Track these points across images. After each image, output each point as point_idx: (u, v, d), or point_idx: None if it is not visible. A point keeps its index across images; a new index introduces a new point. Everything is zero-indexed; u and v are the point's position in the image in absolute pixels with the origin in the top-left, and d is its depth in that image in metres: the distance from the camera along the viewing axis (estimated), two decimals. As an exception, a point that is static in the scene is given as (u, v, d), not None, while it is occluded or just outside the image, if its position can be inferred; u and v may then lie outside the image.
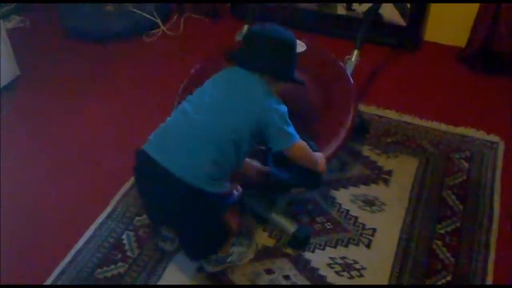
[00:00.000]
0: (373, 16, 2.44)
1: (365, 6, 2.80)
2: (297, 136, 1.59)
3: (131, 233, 1.90)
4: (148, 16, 2.99)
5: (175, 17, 3.13)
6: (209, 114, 1.55)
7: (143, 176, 1.62)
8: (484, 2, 2.47)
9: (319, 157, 1.71)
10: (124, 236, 1.89)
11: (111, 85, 2.67)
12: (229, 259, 1.74)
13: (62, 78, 2.72)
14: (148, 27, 3.01)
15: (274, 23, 1.69)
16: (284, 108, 1.58)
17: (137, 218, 1.95)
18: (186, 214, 1.55)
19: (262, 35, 1.63)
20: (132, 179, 2.08)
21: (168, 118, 1.65)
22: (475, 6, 2.52)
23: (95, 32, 2.97)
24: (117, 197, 2.03)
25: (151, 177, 1.56)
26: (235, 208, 1.73)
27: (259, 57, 1.60)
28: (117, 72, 2.76)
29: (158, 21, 3.02)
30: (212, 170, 1.50)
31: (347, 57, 2.25)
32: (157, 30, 3.01)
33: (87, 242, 1.86)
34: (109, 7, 3.05)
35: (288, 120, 1.58)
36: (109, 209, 1.98)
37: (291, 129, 1.57)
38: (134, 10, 3.00)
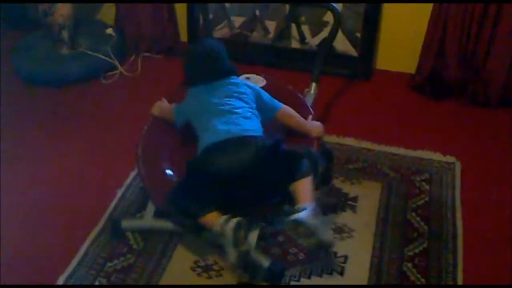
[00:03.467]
0: (328, 48, 2.53)
1: (318, 39, 2.91)
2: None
3: (104, 280, 1.87)
4: (104, 57, 2.99)
5: (132, 57, 3.14)
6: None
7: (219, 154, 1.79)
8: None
9: (313, 125, 2.02)
10: (97, 283, 1.85)
11: (71, 129, 2.64)
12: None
13: (20, 125, 2.67)
14: (105, 69, 3.01)
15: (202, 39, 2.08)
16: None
17: (108, 264, 1.92)
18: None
19: (205, 51, 1.99)
20: (100, 224, 2.07)
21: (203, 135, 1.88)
22: (423, 35, 2.66)
23: (52, 77, 2.93)
24: (87, 243, 2.00)
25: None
26: None
27: (215, 68, 1.96)
28: (77, 116, 2.74)
29: (115, 62, 3.02)
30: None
31: (306, 89, 2.32)
32: (114, 72, 3.01)
33: (59, 292, 1.82)
34: (64, 50, 3.04)
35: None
36: (79, 255, 1.95)
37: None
38: (90, 52, 2.99)
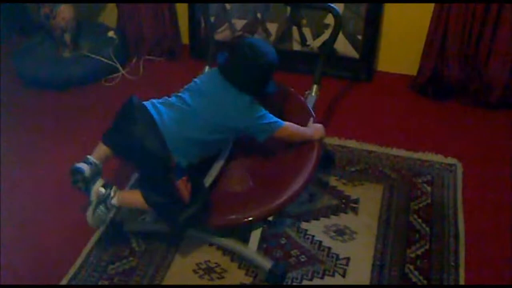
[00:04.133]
0: (329, 50, 2.53)
1: (319, 41, 2.92)
2: (279, 122, 1.86)
3: (106, 282, 1.87)
4: (106, 60, 3.00)
5: (133, 60, 3.15)
6: (200, 106, 1.82)
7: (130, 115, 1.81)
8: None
9: (315, 128, 1.98)
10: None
11: (73, 131, 2.65)
12: None
13: (22, 128, 2.68)
14: (107, 72, 3.02)
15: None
16: (259, 108, 1.85)
17: (111, 266, 1.93)
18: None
19: (249, 55, 1.83)
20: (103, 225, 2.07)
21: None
22: (424, 36, 2.66)
23: (54, 80, 2.94)
24: (89, 246, 2.00)
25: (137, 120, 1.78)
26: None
27: (239, 75, 1.84)
28: (79, 119, 2.75)
29: (117, 65, 3.03)
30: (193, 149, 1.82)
31: (306, 92, 2.32)
32: (116, 75, 3.02)
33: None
34: (66, 53, 3.05)
35: (265, 113, 1.85)
36: (81, 258, 1.96)
37: (269, 119, 1.84)
38: (91, 55, 3.00)
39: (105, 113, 2.78)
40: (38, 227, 2.12)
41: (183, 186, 1.73)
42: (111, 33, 3.15)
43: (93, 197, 1.77)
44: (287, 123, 1.90)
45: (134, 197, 1.80)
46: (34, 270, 1.94)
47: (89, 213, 1.78)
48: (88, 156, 1.83)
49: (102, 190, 1.77)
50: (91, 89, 2.95)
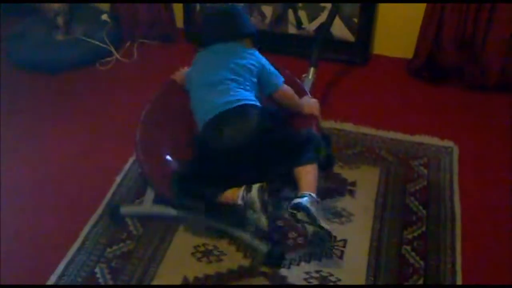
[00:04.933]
0: (325, 33, 2.52)
1: (314, 25, 2.90)
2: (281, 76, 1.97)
3: (104, 265, 1.87)
4: (99, 44, 2.97)
5: (127, 43, 3.12)
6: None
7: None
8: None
9: (307, 103, 2.02)
10: (97, 270, 1.85)
11: (67, 116, 2.63)
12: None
13: (16, 112, 2.66)
14: (101, 55, 2.98)
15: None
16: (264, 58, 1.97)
17: (108, 249, 1.93)
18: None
19: (217, 13, 2.04)
20: (99, 210, 2.06)
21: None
22: (420, 19, 2.65)
23: (46, 63, 2.91)
24: (86, 229, 2.00)
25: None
26: None
27: (227, 29, 1.96)
28: (73, 103, 2.72)
29: (111, 48, 3.00)
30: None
31: (303, 75, 2.32)
32: (110, 58, 2.99)
33: (59, 277, 1.83)
34: (59, 36, 3.01)
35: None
36: (78, 241, 1.95)
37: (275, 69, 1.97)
38: (85, 38, 2.97)
39: (99, 96, 2.78)
40: (34, 211, 2.11)
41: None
42: (104, 16, 3.11)
43: (257, 205, 1.68)
44: (284, 85, 1.98)
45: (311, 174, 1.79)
46: (31, 254, 1.93)
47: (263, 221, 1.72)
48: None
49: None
50: (85, 72, 2.92)
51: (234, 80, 1.85)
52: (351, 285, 1.80)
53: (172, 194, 1.80)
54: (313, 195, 1.72)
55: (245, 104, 1.80)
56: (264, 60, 1.97)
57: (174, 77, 2.17)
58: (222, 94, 1.82)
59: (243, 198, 1.68)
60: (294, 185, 1.79)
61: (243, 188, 1.70)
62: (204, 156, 1.79)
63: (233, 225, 1.91)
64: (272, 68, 1.97)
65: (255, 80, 1.91)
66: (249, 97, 1.84)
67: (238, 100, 1.80)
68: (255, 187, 1.68)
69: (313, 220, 1.67)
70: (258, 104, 1.84)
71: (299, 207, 1.68)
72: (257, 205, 1.67)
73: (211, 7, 2.11)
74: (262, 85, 1.93)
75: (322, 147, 1.84)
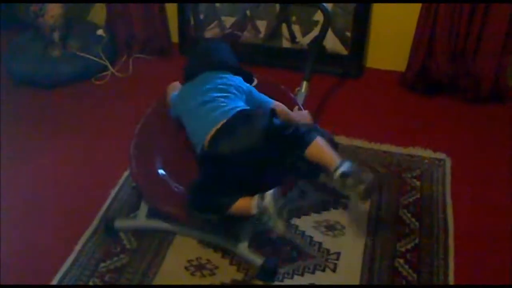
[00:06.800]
0: (318, 47, 2.54)
1: (308, 38, 2.92)
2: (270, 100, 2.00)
3: (97, 280, 1.87)
4: (95, 59, 2.99)
5: (123, 58, 3.14)
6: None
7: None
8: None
9: (300, 115, 2.04)
10: (90, 284, 1.86)
11: (63, 130, 2.64)
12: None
13: (12, 127, 2.67)
14: (97, 70, 3.01)
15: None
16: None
17: (102, 264, 1.93)
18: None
19: (204, 47, 2.16)
20: (93, 224, 2.07)
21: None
22: (412, 32, 2.68)
23: (43, 78, 2.93)
24: (80, 243, 2.00)
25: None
26: None
27: (209, 60, 2.04)
28: (68, 117, 2.74)
29: (107, 63, 3.02)
30: None
31: (297, 88, 2.34)
32: (106, 73, 3.01)
33: (52, 293, 1.83)
34: (55, 52, 3.03)
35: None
36: (72, 256, 1.95)
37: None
38: (81, 53, 2.99)
39: (95, 111, 2.80)
40: (30, 225, 2.12)
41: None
42: (100, 31, 3.14)
43: (271, 210, 1.68)
44: (275, 102, 2.00)
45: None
46: (25, 268, 1.94)
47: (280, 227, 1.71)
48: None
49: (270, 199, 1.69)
50: (81, 87, 2.94)
51: (225, 97, 1.88)
52: (344, 285, 1.81)
53: (188, 212, 1.80)
54: (345, 160, 1.72)
55: (243, 110, 1.84)
56: (249, 86, 2.02)
57: (168, 89, 2.19)
58: (216, 108, 1.84)
59: (258, 207, 1.69)
60: (311, 173, 1.85)
61: (256, 197, 1.70)
62: (214, 170, 1.78)
63: (229, 237, 1.91)
64: (257, 92, 2.02)
65: (244, 97, 1.94)
66: (242, 106, 1.87)
67: (233, 108, 1.83)
68: (269, 194, 1.68)
69: (361, 180, 1.69)
70: (253, 108, 1.89)
71: (346, 174, 1.68)
72: (273, 212, 1.67)
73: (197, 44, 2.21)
74: (253, 107, 1.95)
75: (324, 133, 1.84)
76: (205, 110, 1.86)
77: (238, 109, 1.83)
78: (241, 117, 1.80)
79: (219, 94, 1.88)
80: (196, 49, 2.19)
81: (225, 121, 1.79)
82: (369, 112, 2.69)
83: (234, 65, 2.06)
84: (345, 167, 1.69)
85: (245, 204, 1.71)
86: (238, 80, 1.99)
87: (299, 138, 1.76)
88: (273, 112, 1.83)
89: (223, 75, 1.97)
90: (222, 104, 1.85)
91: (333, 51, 2.91)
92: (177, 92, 2.05)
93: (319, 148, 1.75)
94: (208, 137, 1.80)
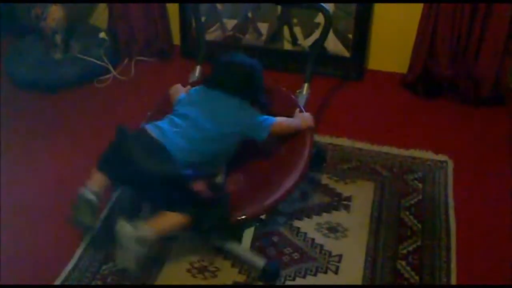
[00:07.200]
0: (319, 49, 2.54)
1: (310, 41, 2.93)
2: (270, 119, 1.93)
3: (100, 283, 1.87)
4: (97, 61, 3.00)
5: (125, 61, 3.15)
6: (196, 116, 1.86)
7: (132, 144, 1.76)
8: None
9: (302, 117, 2.04)
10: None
11: (66, 133, 2.64)
12: None
13: (14, 130, 2.67)
14: (99, 73, 3.01)
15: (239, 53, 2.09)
16: (249, 109, 1.92)
17: (104, 266, 1.93)
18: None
19: (233, 64, 1.98)
20: (97, 225, 2.07)
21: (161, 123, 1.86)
22: (414, 35, 2.68)
23: (45, 82, 2.93)
24: (82, 246, 2.00)
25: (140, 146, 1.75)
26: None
27: (232, 84, 1.92)
28: (71, 120, 2.74)
29: (108, 66, 3.02)
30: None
31: (297, 90, 2.33)
32: (108, 76, 3.02)
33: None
34: (57, 55, 3.04)
35: (255, 112, 1.93)
36: (74, 258, 1.96)
37: (262, 118, 1.92)
38: (83, 56, 3.00)
39: (97, 114, 2.80)
40: (31, 228, 2.12)
41: (202, 188, 1.73)
42: (102, 34, 3.15)
43: (127, 242, 1.65)
44: (277, 118, 1.96)
45: (168, 221, 1.73)
46: (27, 271, 1.94)
47: (130, 260, 1.67)
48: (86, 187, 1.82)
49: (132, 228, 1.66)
50: (83, 90, 2.94)
51: (207, 129, 1.84)
52: (346, 285, 1.81)
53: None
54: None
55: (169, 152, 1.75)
56: (243, 122, 1.90)
57: (171, 91, 2.19)
58: (189, 132, 1.83)
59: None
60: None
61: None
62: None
63: (231, 240, 1.91)
64: (253, 121, 1.92)
65: (231, 140, 1.91)
66: (207, 152, 1.83)
67: (178, 149, 1.77)
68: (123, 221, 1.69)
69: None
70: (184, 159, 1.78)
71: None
72: (124, 240, 1.67)
73: (234, 54, 2.07)
74: (253, 138, 1.94)
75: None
76: (185, 124, 1.84)
77: (195, 150, 1.79)
78: (163, 151, 1.74)
79: (207, 125, 1.84)
80: (229, 61, 2.01)
81: (159, 141, 1.76)
82: (371, 114, 2.69)
83: (252, 97, 1.96)
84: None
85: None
86: (244, 112, 1.91)
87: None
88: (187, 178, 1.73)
89: (233, 104, 1.90)
90: (196, 134, 1.82)
91: (335, 53, 2.91)
92: (185, 95, 2.03)
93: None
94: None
